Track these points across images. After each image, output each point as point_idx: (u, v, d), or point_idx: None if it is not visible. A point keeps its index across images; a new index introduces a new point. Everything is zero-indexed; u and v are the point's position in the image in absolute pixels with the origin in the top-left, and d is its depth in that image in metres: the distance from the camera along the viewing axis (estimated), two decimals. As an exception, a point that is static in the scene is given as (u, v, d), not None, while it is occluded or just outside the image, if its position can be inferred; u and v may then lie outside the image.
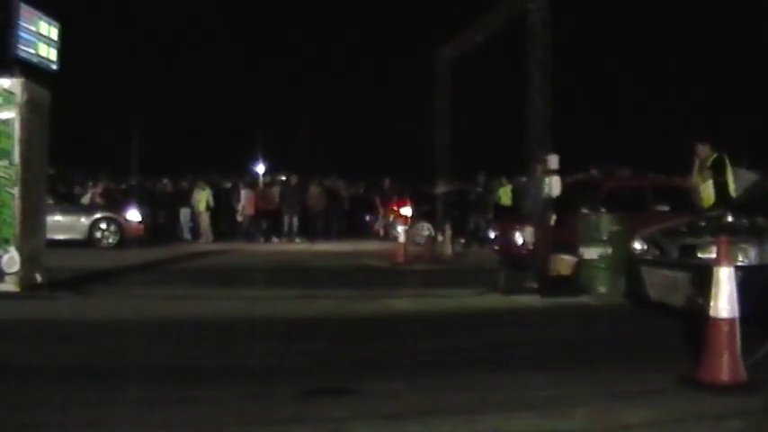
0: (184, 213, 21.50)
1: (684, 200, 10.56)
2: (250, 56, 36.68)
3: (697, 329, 5.47)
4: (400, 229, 15.65)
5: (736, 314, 4.91)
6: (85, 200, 20.42)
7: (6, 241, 8.95)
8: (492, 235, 14.08)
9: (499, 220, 15.19)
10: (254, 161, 31.92)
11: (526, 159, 10.78)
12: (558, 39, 10.39)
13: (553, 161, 10.02)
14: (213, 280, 11.98)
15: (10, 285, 8.93)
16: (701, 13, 29.95)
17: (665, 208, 11.05)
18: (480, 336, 7.30)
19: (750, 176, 10.71)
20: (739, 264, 6.08)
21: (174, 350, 6.41)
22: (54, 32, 9.83)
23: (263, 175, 29.77)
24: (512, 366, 5.75)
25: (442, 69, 17.09)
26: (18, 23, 9.04)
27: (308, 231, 21.81)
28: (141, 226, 18.64)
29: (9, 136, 8.98)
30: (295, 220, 21.60)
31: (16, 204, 8.99)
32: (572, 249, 9.95)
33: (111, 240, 17.67)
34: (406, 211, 19.81)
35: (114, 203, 19.84)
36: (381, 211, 22.46)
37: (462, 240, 18.62)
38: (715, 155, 9.54)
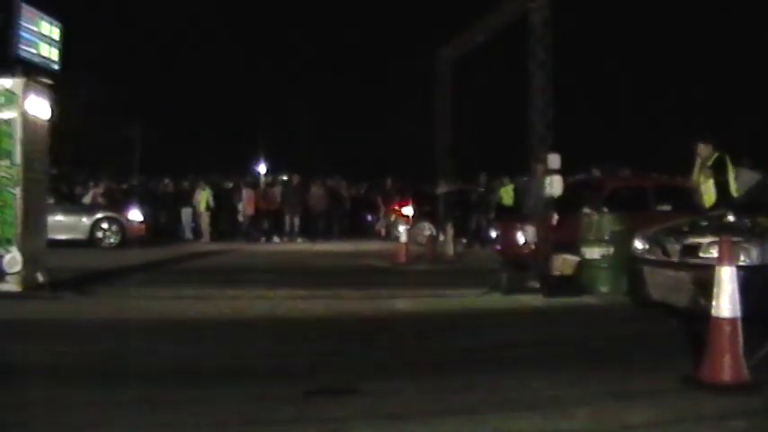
0: (186, 213, 21.53)
1: (686, 200, 10.54)
2: (251, 56, 36.66)
3: (699, 329, 5.47)
4: (402, 228, 15.66)
5: (738, 314, 4.91)
6: (87, 200, 20.44)
7: (8, 241, 8.96)
8: (493, 235, 14.07)
9: (501, 219, 15.17)
10: (256, 161, 31.93)
11: (528, 159, 10.77)
12: (558, 38, 10.38)
13: (554, 161, 10.02)
14: (215, 280, 11.97)
15: (12, 285, 8.94)
16: (702, 13, 29.93)
17: (667, 208, 11.04)
18: (482, 336, 7.29)
19: (753, 176, 10.69)
20: (741, 264, 6.07)
21: (175, 350, 6.41)
22: (55, 32, 9.83)
23: (265, 174, 29.78)
24: (513, 366, 5.74)
25: (443, 69, 17.11)
26: (19, 23, 9.03)
27: (309, 231, 21.83)
28: (143, 226, 18.66)
29: (10, 136, 8.99)
30: (296, 220, 21.64)
31: (18, 204, 9.01)
32: (574, 249, 9.94)
33: (112, 240, 17.70)
34: (408, 210, 19.82)
35: (116, 203, 19.87)
36: (383, 210, 22.47)
37: (464, 240, 18.61)
38: (716, 154, 9.52)
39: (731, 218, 7.84)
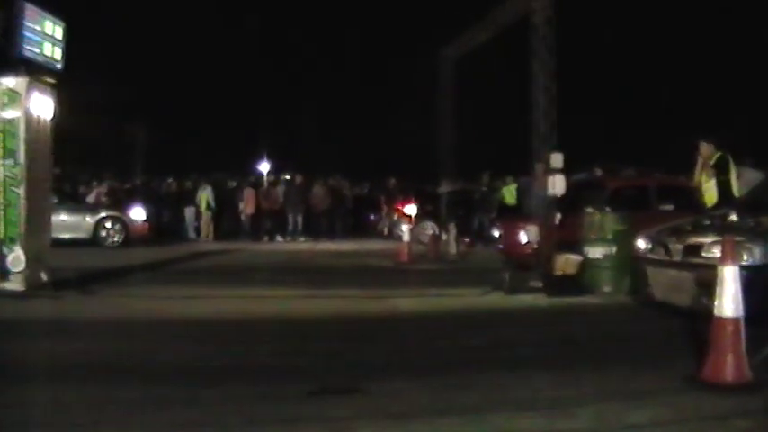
0: (189, 213, 21.55)
1: (689, 199, 10.53)
2: (253, 55, 36.68)
3: (701, 329, 5.46)
4: (404, 228, 15.67)
5: (741, 314, 4.91)
6: (90, 199, 20.48)
7: (12, 240, 8.99)
8: (496, 234, 14.07)
9: (503, 219, 15.17)
10: (259, 160, 31.95)
11: (531, 159, 10.77)
12: (561, 38, 10.37)
13: (557, 160, 10.01)
14: (217, 279, 12.00)
15: (15, 284, 8.96)
16: (702, 13, 29.89)
17: (670, 207, 11.03)
18: (485, 335, 7.29)
19: (755, 175, 10.68)
20: (744, 263, 6.07)
21: (178, 349, 6.42)
22: (59, 32, 9.83)
23: (268, 174, 29.80)
24: (516, 366, 5.75)
25: (445, 69, 17.10)
26: (23, 23, 9.04)
27: (312, 231, 21.85)
28: (146, 225, 18.67)
29: (14, 135, 9.01)
30: (299, 220, 21.67)
31: (21, 204, 9.03)
32: (576, 248, 9.94)
33: (116, 239, 17.71)
34: (411, 210, 19.81)
35: (119, 203, 19.91)
36: (385, 210, 22.47)
37: (466, 239, 18.60)
38: (719, 154, 9.52)
39: (734, 217, 7.84)
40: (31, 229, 9.16)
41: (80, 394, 4.84)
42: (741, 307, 4.91)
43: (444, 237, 16.61)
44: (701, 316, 5.85)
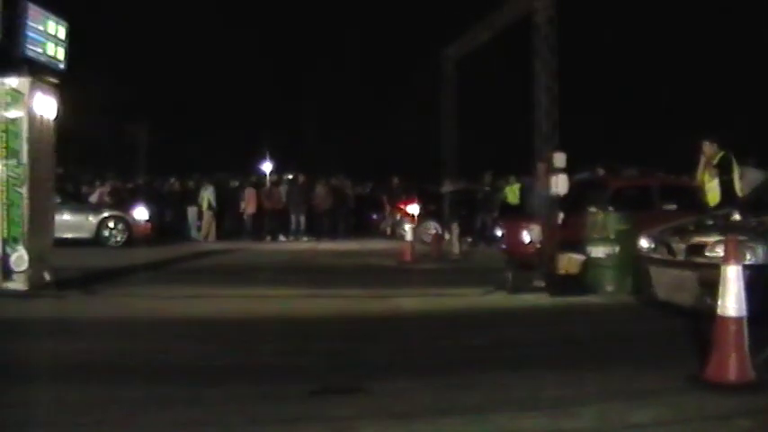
0: (192, 212, 21.57)
1: (692, 199, 10.53)
2: (255, 55, 36.70)
3: (704, 329, 5.46)
4: (407, 227, 15.66)
5: (744, 313, 4.90)
6: (93, 199, 20.51)
7: (15, 240, 9.00)
8: (499, 234, 14.07)
9: (506, 218, 15.17)
10: (262, 160, 31.98)
11: (533, 158, 10.76)
12: (563, 38, 10.35)
13: (560, 159, 10.00)
14: (220, 279, 12.01)
15: (18, 284, 8.98)
16: (703, 13, 29.86)
17: (673, 207, 11.02)
18: (487, 335, 7.28)
19: (758, 175, 10.68)
20: (747, 263, 6.06)
21: (181, 349, 6.42)
22: (62, 32, 9.84)
23: (270, 174, 29.82)
24: (519, 365, 5.74)
25: (447, 68, 17.10)
26: (26, 23, 9.05)
27: (314, 230, 21.87)
28: (149, 225, 18.71)
29: (17, 135, 9.03)
30: (302, 219, 21.69)
31: (24, 203, 9.04)
32: (579, 248, 9.94)
33: (118, 239, 17.74)
34: (413, 209, 19.80)
35: (122, 202, 19.93)
36: (388, 209, 22.47)
37: (469, 239, 18.61)
38: (722, 153, 9.51)
39: (737, 217, 7.83)
40: (34, 229, 9.17)
41: (83, 394, 4.84)
42: (744, 306, 4.90)
43: (447, 236, 16.60)
44: (704, 315, 5.84)
